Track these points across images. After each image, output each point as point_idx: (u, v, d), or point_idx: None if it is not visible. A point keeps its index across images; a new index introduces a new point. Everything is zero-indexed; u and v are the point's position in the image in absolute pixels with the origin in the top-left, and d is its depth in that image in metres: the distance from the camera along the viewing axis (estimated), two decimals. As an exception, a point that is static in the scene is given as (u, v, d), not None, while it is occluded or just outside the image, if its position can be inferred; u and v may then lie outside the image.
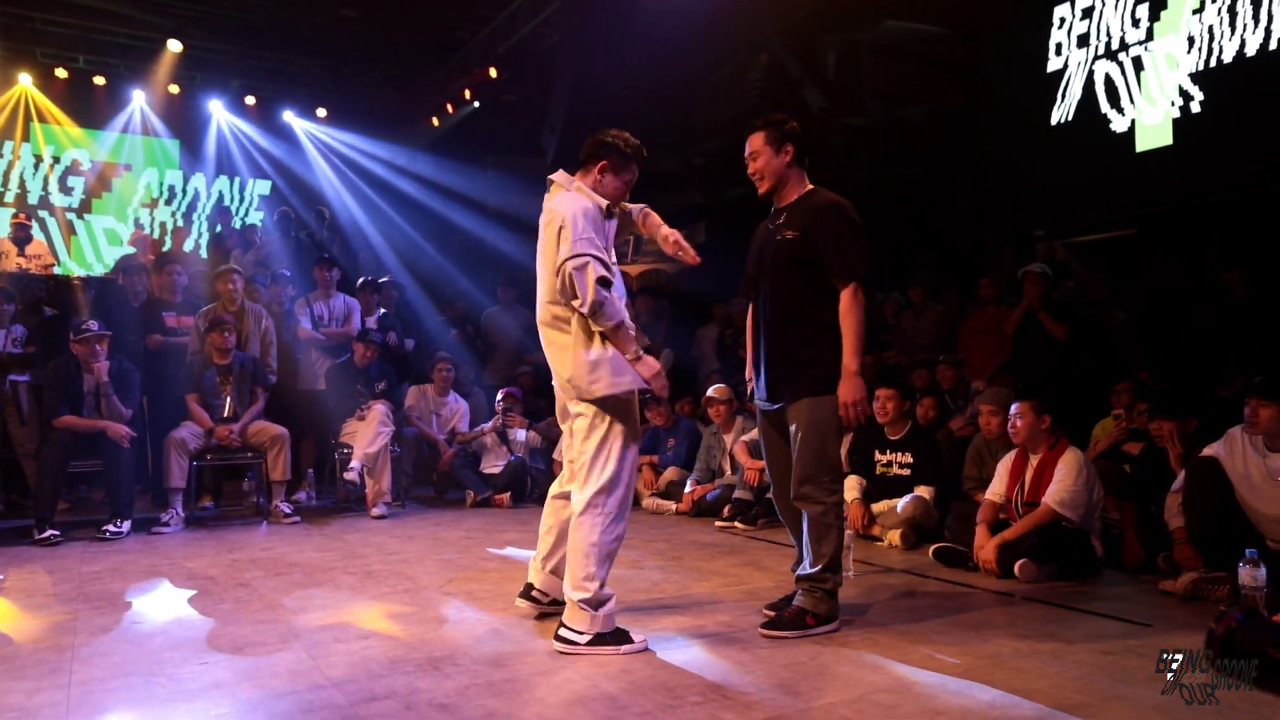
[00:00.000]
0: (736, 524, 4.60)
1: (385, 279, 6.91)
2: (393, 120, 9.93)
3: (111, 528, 4.24)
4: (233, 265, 5.64)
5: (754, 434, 4.19)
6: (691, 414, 5.93)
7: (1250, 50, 4.76)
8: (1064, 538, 3.46)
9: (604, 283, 2.43)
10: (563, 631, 2.49)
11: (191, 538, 4.34)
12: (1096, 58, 5.57)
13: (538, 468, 5.73)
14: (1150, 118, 5.25)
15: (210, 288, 5.56)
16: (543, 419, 5.90)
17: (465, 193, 9.30)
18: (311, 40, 9.08)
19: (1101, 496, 3.63)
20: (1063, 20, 5.78)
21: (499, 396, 5.83)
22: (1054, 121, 5.76)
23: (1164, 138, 5.16)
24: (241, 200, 10.04)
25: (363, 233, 8.97)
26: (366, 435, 5.02)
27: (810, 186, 2.81)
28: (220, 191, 9.93)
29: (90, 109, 9.09)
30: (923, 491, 4.20)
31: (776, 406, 2.79)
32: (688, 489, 5.19)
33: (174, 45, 8.57)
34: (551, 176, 2.69)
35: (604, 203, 2.59)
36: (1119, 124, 5.40)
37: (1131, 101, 5.35)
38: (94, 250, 9.29)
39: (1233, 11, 4.85)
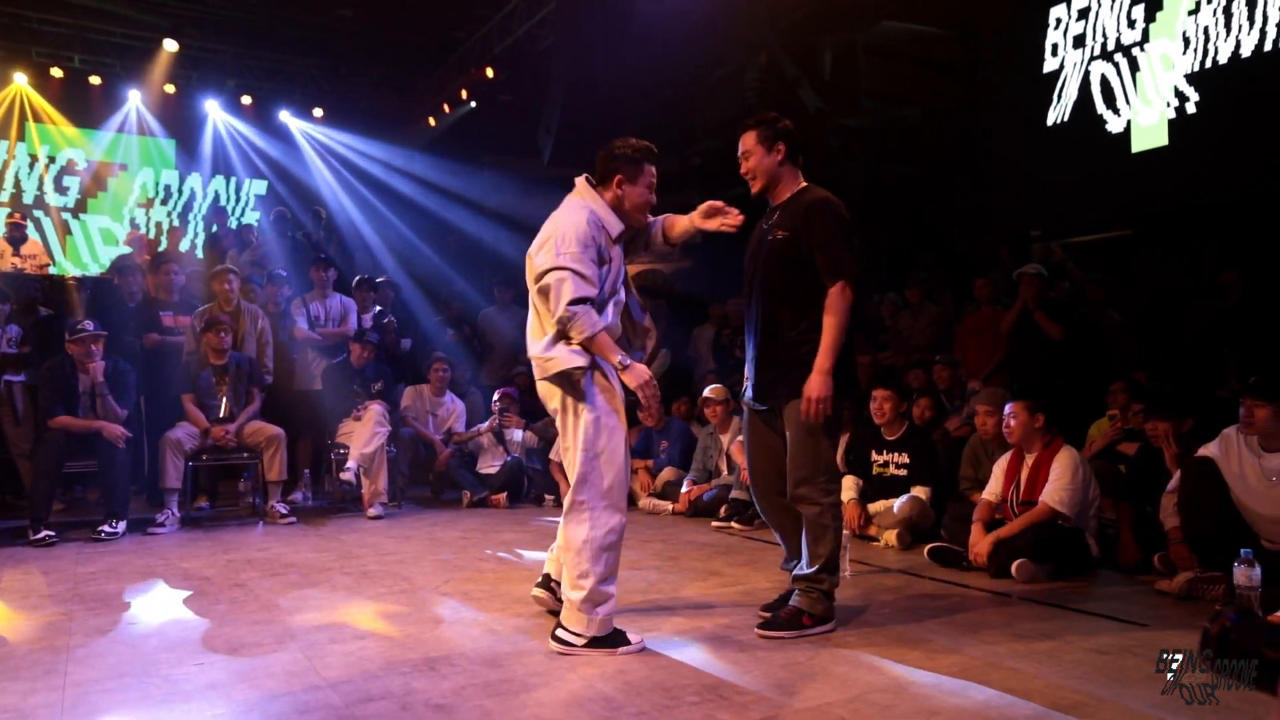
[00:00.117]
0: (733, 524, 4.61)
1: (381, 279, 6.92)
2: (389, 120, 9.92)
3: (107, 528, 4.24)
4: (229, 265, 5.64)
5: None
6: (688, 414, 5.94)
7: (1245, 51, 4.77)
8: (1060, 536, 3.48)
9: (580, 301, 2.41)
10: (559, 632, 2.48)
11: (187, 538, 4.34)
12: (1092, 58, 5.57)
13: (534, 468, 5.74)
14: (1146, 118, 5.26)
15: (206, 288, 5.56)
16: (539, 419, 5.90)
17: (462, 193, 9.30)
18: (308, 40, 9.08)
19: (1097, 495, 3.66)
20: (1059, 21, 5.79)
21: (495, 397, 5.84)
22: (1050, 122, 5.77)
23: (1160, 138, 5.17)
24: (238, 200, 10.04)
25: (359, 233, 8.98)
26: (363, 435, 5.03)
27: (803, 184, 2.80)
28: (216, 191, 9.92)
29: (86, 108, 9.07)
30: (919, 492, 4.22)
31: (768, 407, 2.78)
32: (684, 489, 5.21)
33: (170, 45, 8.56)
34: (577, 180, 2.68)
35: (611, 220, 2.58)
36: (1115, 125, 5.41)
37: (1127, 102, 5.36)
38: (89, 250, 9.28)
39: (1228, 13, 4.86)
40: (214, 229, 8.50)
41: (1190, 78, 5.04)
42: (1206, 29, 4.96)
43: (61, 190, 9.20)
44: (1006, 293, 5.48)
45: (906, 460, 4.35)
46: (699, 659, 2.42)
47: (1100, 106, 5.49)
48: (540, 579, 2.87)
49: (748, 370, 2.90)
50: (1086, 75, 5.59)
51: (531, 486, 5.74)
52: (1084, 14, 5.64)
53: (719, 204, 2.71)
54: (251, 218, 9.74)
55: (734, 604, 3.02)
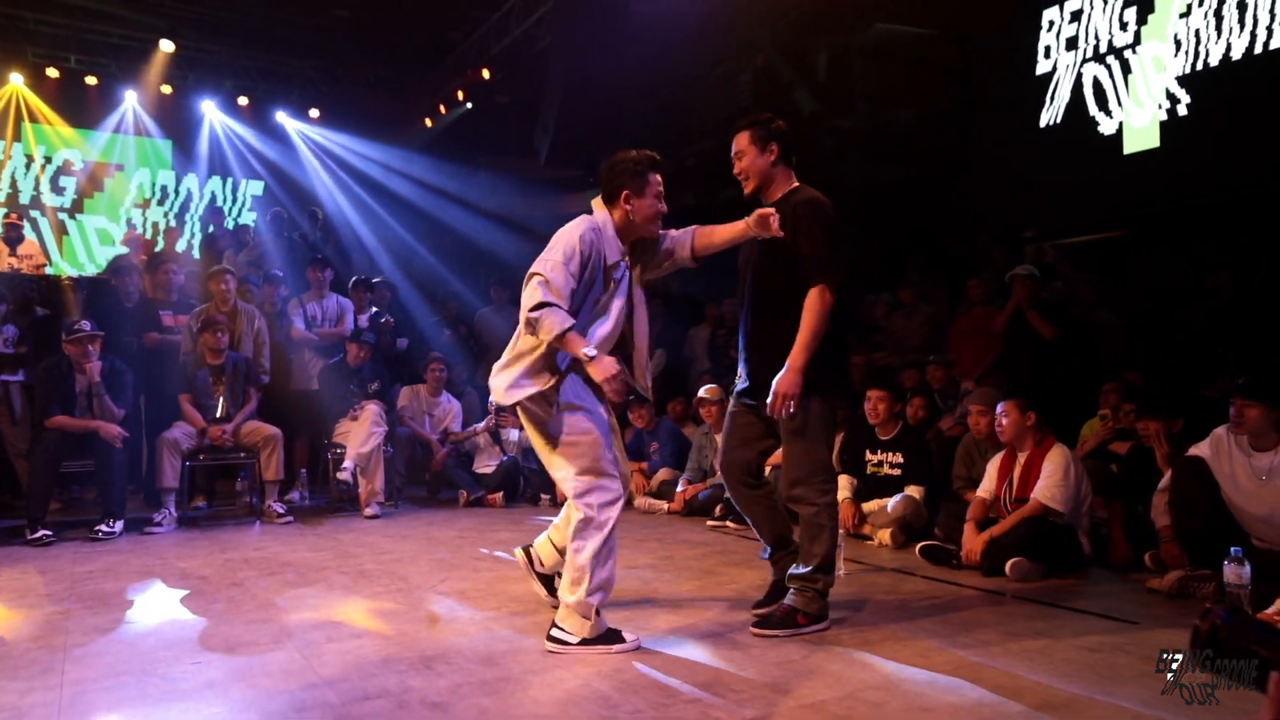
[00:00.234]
0: (728, 523, 4.63)
1: (378, 279, 6.94)
2: (386, 121, 9.93)
3: (104, 528, 4.25)
4: (225, 266, 5.65)
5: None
6: (683, 414, 5.97)
7: (1236, 54, 4.80)
8: (1052, 533, 3.51)
9: (543, 306, 2.43)
10: (554, 631, 2.51)
11: (184, 538, 4.34)
12: (1085, 61, 5.61)
13: (530, 468, 5.75)
14: (1138, 120, 5.29)
15: (203, 288, 5.58)
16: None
17: (458, 194, 9.32)
18: (304, 41, 9.09)
19: (1089, 492, 3.68)
20: (1051, 23, 5.82)
21: (492, 396, 5.85)
22: (1043, 124, 5.80)
23: (1151, 140, 5.21)
24: (234, 201, 10.04)
25: (356, 233, 9.00)
26: (359, 435, 5.03)
27: (795, 184, 2.81)
28: (213, 192, 9.93)
29: (82, 109, 9.07)
30: (913, 491, 4.25)
31: (759, 403, 2.78)
32: (679, 489, 5.23)
33: (166, 45, 8.56)
34: (593, 202, 2.71)
35: (610, 237, 2.59)
36: (1107, 126, 5.44)
37: (1119, 104, 5.40)
38: (86, 250, 9.28)
39: (1219, 16, 4.90)
40: (210, 229, 8.51)
41: (1182, 80, 5.07)
42: (1197, 32, 5.00)
43: (58, 190, 9.19)
44: (999, 293, 5.49)
45: (900, 460, 4.38)
46: (694, 657, 2.44)
47: (1093, 108, 5.52)
48: (529, 547, 2.96)
49: (740, 367, 2.92)
50: (1079, 77, 5.63)
51: (527, 486, 5.75)
52: (1076, 16, 5.67)
53: (769, 210, 2.67)
54: (248, 218, 9.74)
55: (729, 602, 3.03)
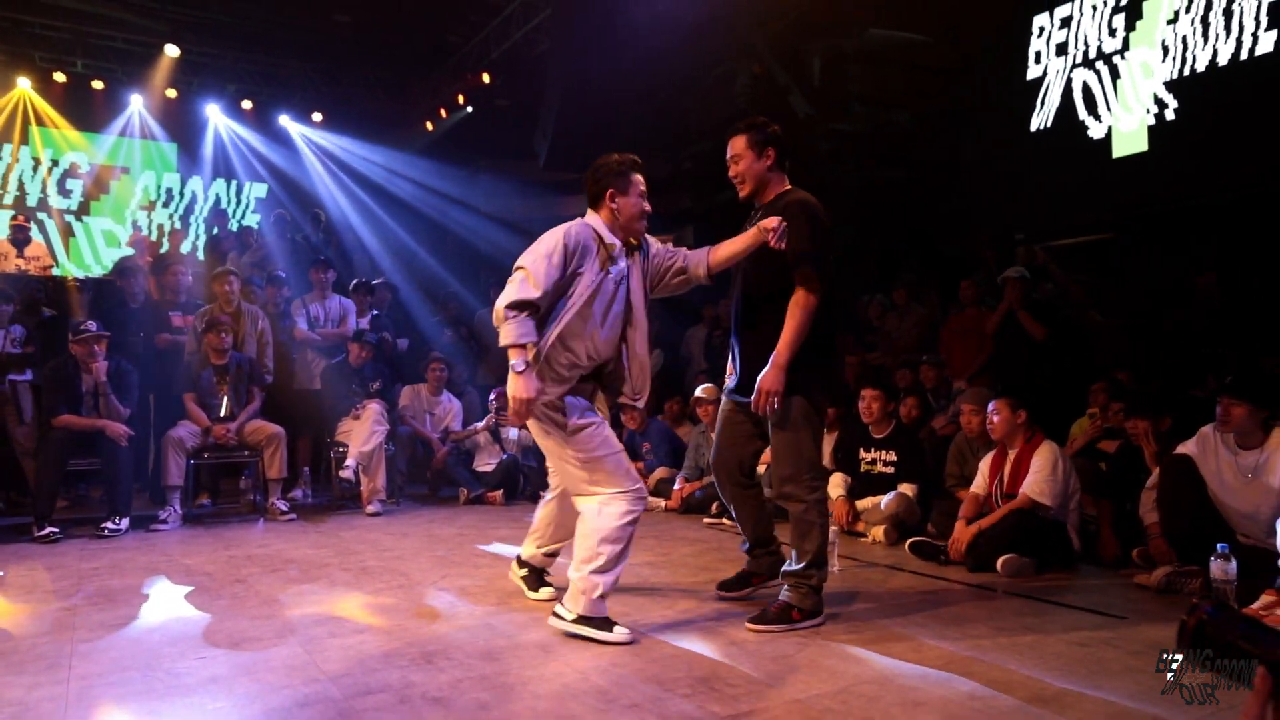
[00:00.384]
0: (724, 520, 4.65)
1: (379, 280, 6.98)
2: (387, 124, 9.97)
3: (110, 525, 4.25)
4: (229, 267, 5.67)
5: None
6: (680, 413, 6.03)
7: (1222, 60, 4.87)
8: (1039, 527, 3.55)
9: (519, 305, 2.49)
10: (557, 608, 2.61)
11: (189, 535, 4.35)
12: (1075, 66, 5.68)
13: (530, 465, 5.79)
14: (1126, 124, 5.35)
15: (207, 289, 5.60)
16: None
17: (459, 196, 9.39)
18: (307, 45, 9.15)
19: (1077, 488, 3.73)
20: (1042, 29, 5.89)
21: (492, 395, 5.87)
22: (1034, 128, 5.87)
23: (1140, 144, 5.27)
24: (238, 203, 10.10)
25: (358, 235, 9.05)
26: (361, 434, 5.07)
27: (787, 187, 2.84)
28: (217, 195, 9.98)
29: (88, 112, 9.13)
30: (906, 489, 4.28)
31: (749, 400, 2.82)
32: (676, 486, 5.28)
33: (171, 50, 8.62)
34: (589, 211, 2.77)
35: (604, 232, 2.65)
36: (1096, 130, 5.51)
37: (1108, 109, 5.46)
38: (92, 252, 9.34)
39: (1205, 22, 4.96)
40: (215, 231, 8.59)
41: (1169, 85, 5.14)
42: (1185, 38, 5.07)
43: (64, 193, 9.26)
44: (991, 294, 5.55)
45: (894, 458, 4.41)
46: (691, 652, 2.46)
47: (1082, 113, 5.59)
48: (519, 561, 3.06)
49: (731, 364, 2.96)
50: (1069, 82, 5.69)
51: (527, 484, 5.78)
52: (1066, 23, 5.74)
53: (774, 221, 2.67)
54: (252, 220, 9.81)
55: (738, 598, 3.05)
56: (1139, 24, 5.31)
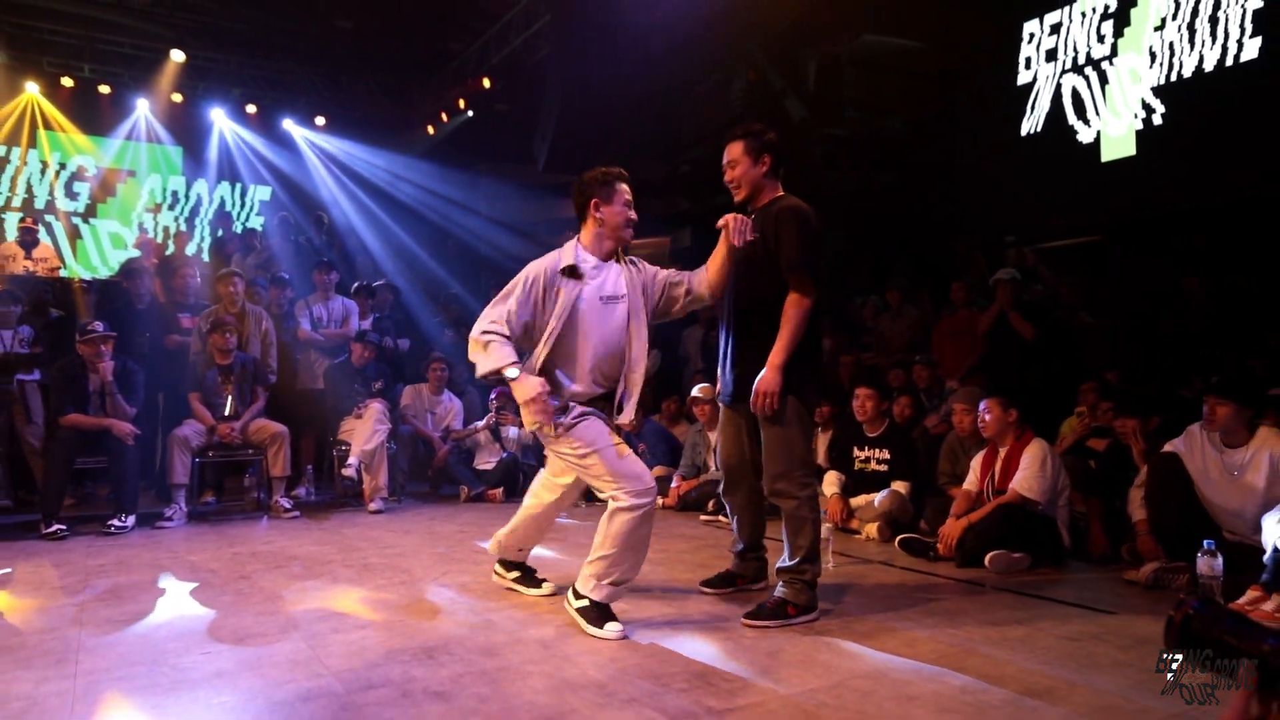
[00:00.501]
0: (720, 517, 4.69)
1: (380, 282, 7.03)
2: (389, 128, 10.03)
3: (116, 522, 4.27)
4: (234, 269, 5.72)
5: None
6: (677, 413, 6.09)
7: (1209, 66, 4.95)
8: (1028, 522, 3.59)
9: (489, 332, 2.61)
10: (569, 593, 2.69)
11: (194, 532, 4.37)
12: (1064, 72, 5.75)
13: (529, 464, 5.83)
14: (1115, 129, 5.42)
15: (212, 290, 5.63)
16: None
17: (460, 199, 9.45)
18: (310, 51, 9.23)
19: (1066, 485, 3.77)
20: (1032, 36, 5.97)
21: (492, 395, 5.92)
22: (1024, 132, 5.94)
23: (1128, 148, 5.34)
24: (242, 206, 10.18)
25: (360, 237, 9.12)
26: (364, 433, 5.11)
27: (781, 194, 2.88)
28: (222, 197, 10.04)
29: (95, 117, 9.20)
30: (899, 486, 4.32)
31: (740, 402, 2.88)
32: (673, 484, 5.31)
33: (177, 55, 8.71)
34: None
35: (569, 255, 2.72)
36: (1085, 135, 5.58)
37: (1097, 114, 5.53)
38: (99, 253, 9.42)
39: (1192, 29, 5.04)
40: (219, 233, 8.66)
41: (1157, 90, 5.21)
42: (1172, 44, 5.14)
43: (72, 196, 9.33)
44: (982, 296, 5.59)
45: (887, 456, 4.44)
46: (688, 647, 2.47)
47: (1071, 118, 5.66)
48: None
49: (722, 367, 3.00)
50: (1058, 88, 5.77)
51: (527, 482, 5.68)
52: (1056, 29, 5.82)
53: (728, 217, 2.70)
54: (256, 222, 9.89)
55: (721, 594, 3.10)
56: (1127, 31, 5.39)
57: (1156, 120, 5.20)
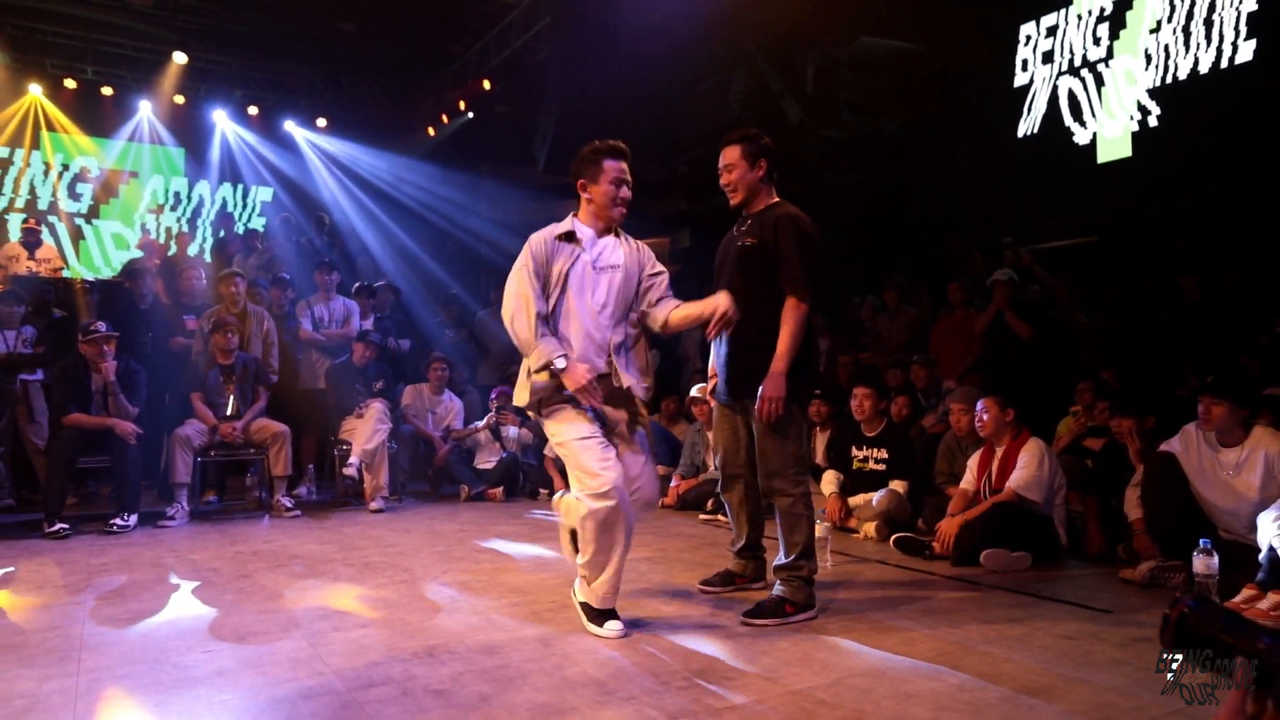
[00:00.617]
0: (719, 516, 4.70)
1: (381, 283, 7.05)
2: (390, 130, 10.07)
3: (119, 521, 4.28)
4: (235, 269, 5.74)
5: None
6: (676, 412, 6.12)
7: (1204, 68, 4.98)
8: (1024, 520, 3.61)
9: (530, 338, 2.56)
10: (572, 591, 2.71)
11: (196, 531, 4.38)
12: (1060, 74, 5.78)
13: (529, 463, 5.86)
14: (1110, 131, 5.45)
15: (214, 291, 5.66)
16: (534, 417, 6.06)
17: (460, 200, 9.49)
18: (312, 53, 9.26)
19: (1063, 483, 3.79)
20: (1028, 38, 6.00)
21: (492, 395, 5.95)
22: (1020, 134, 5.97)
23: (1123, 150, 5.36)
24: (244, 207, 10.22)
25: (361, 238, 9.15)
26: (365, 432, 5.13)
27: (776, 199, 2.91)
28: (224, 198, 10.09)
29: (98, 118, 9.24)
30: (897, 485, 4.33)
31: (735, 402, 2.91)
32: (673, 484, 5.33)
33: (179, 57, 8.74)
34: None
35: (574, 226, 2.71)
36: (1081, 137, 5.61)
37: (1093, 115, 5.56)
38: (102, 254, 9.46)
39: (1187, 32, 5.07)
40: (221, 234, 8.70)
41: (1152, 92, 5.24)
42: (1167, 47, 5.17)
43: (75, 197, 9.38)
44: (979, 296, 5.61)
45: (885, 455, 4.46)
46: (687, 645, 2.49)
47: (1068, 119, 5.69)
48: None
49: (716, 367, 3.03)
50: (1055, 90, 5.80)
51: (526, 481, 5.84)
52: (1052, 31, 5.85)
53: (726, 308, 2.60)
54: (258, 223, 9.92)
55: (721, 593, 3.11)
56: (1123, 33, 5.42)
57: (1152, 122, 5.23)
